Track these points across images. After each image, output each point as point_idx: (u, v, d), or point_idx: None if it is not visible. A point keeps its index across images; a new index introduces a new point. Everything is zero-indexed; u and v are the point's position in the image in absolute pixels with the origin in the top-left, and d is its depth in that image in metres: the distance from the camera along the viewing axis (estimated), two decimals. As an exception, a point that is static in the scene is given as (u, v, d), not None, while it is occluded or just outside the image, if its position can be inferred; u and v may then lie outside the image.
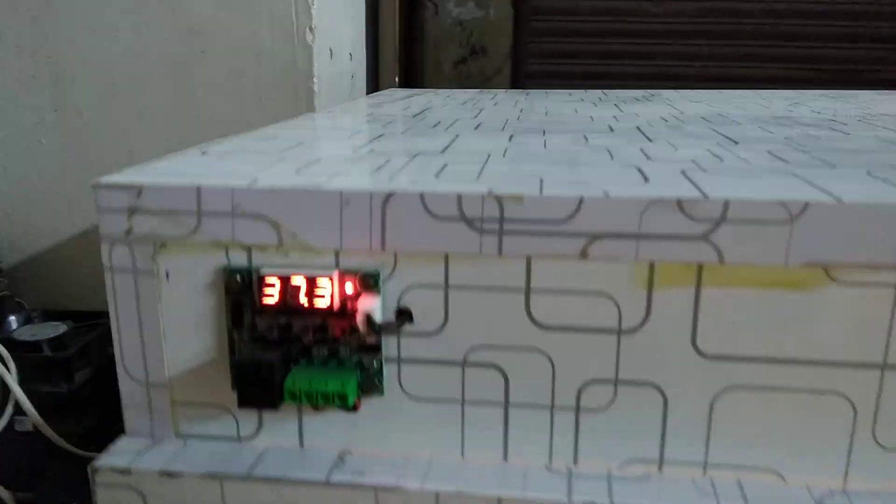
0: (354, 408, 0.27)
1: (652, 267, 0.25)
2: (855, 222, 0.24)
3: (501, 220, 0.25)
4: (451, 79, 1.18)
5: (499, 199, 0.25)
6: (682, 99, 0.65)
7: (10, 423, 0.62)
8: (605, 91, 0.74)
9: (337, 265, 0.26)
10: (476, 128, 0.44)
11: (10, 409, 0.61)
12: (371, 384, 0.27)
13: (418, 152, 0.34)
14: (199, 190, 0.26)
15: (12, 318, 0.70)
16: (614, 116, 0.51)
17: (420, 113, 0.53)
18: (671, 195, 0.24)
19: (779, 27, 1.01)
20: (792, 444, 0.26)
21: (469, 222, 0.25)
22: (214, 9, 0.65)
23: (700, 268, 0.25)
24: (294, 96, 0.66)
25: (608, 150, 0.35)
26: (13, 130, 0.69)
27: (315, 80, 0.66)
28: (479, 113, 0.53)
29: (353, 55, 0.79)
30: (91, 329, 0.70)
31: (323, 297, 0.25)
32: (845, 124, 0.45)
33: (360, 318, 0.25)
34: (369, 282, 0.26)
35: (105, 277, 0.27)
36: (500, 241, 0.25)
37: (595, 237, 0.25)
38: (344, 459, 0.27)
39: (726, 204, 0.24)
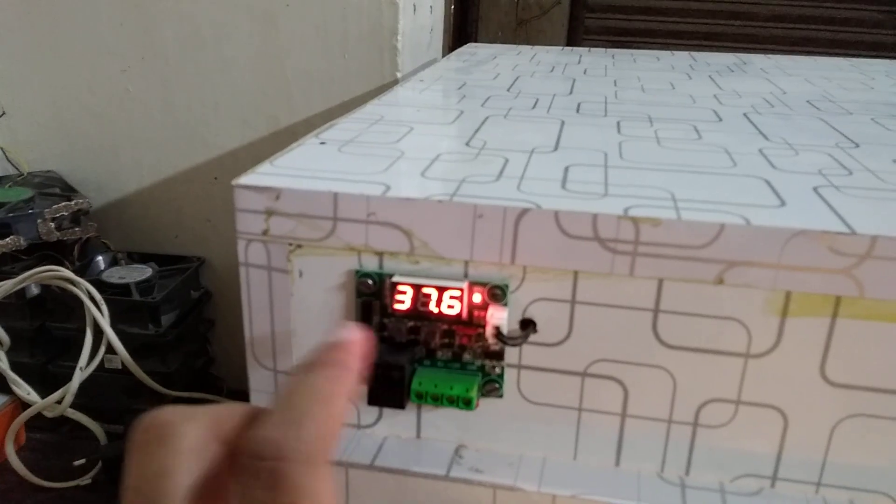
0: (470, 406, 0.28)
1: (788, 296, 0.25)
2: None
3: (636, 242, 0.25)
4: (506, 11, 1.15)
5: (635, 222, 0.25)
6: (776, 69, 0.63)
7: (101, 362, 0.66)
8: (694, 56, 0.72)
9: (466, 275, 0.26)
10: (577, 110, 0.43)
11: (102, 349, 0.64)
12: (491, 387, 0.28)
13: (532, 148, 0.34)
14: (335, 196, 0.26)
15: (100, 258, 0.73)
16: (715, 96, 0.49)
17: (512, 85, 0.52)
18: (815, 228, 0.24)
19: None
20: (909, 474, 0.26)
21: (602, 242, 0.25)
22: (301, -39, 0.64)
23: (838, 300, 0.25)
24: (378, 53, 0.65)
25: (727, 152, 0.34)
26: (101, 77, 0.70)
27: (399, 37, 0.65)
28: (572, 85, 0.52)
29: (433, 8, 0.77)
30: (175, 273, 0.72)
31: (452, 306, 0.26)
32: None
33: (488, 330, 0.26)
34: (497, 293, 0.26)
35: (240, 272, 0.28)
36: (633, 263, 0.25)
37: (732, 264, 0.25)
38: (461, 454, 0.29)
39: (874, 240, 0.24)
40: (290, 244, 0.27)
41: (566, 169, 0.30)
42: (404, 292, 0.26)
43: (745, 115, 0.43)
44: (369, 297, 0.27)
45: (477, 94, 0.48)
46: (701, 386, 0.26)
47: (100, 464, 0.66)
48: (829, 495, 0.27)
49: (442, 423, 0.29)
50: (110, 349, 0.66)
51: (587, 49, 0.77)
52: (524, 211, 0.25)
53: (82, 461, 0.65)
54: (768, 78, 0.58)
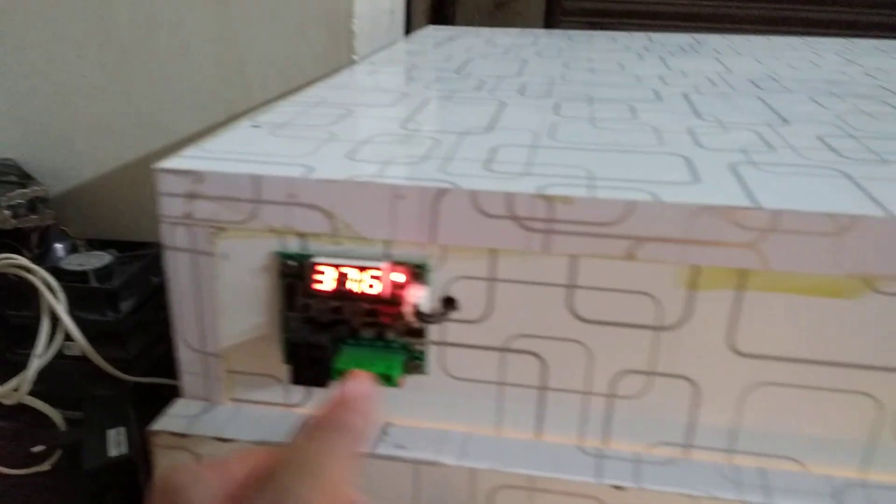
0: (395, 383, 0.28)
1: (696, 270, 0.26)
2: (904, 237, 0.24)
3: (550, 220, 0.26)
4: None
5: (548, 200, 0.25)
6: (729, 49, 0.64)
7: (60, 349, 0.66)
8: (650, 37, 0.72)
9: (387, 255, 0.27)
10: (521, 91, 0.44)
11: (59, 336, 0.64)
12: (415, 365, 0.28)
13: (466, 130, 0.34)
14: (256, 179, 0.26)
15: (58, 246, 0.72)
16: (660, 77, 0.50)
17: (462, 67, 0.52)
18: (721, 203, 0.25)
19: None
20: (816, 437, 0.27)
21: (517, 220, 0.26)
22: (254, -57, 0.63)
23: (744, 273, 0.25)
24: (334, 36, 0.65)
25: (656, 131, 0.35)
26: (57, 63, 0.69)
27: (355, 20, 0.65)
28: (521, 68, 0.52)
29: (393, -9, 0.77)
30: (135, 259, 0.72)
31: (374, 286, 0.26)
32: (900, 96, 0.44)
33: (406, 308, 0.26)
34: (417, 272, 0.27)
35: (164, 255, 0.28)
36: (548, 240, 0.26)
37: (641, 240, 0.25)
38: (387, 431, 0.29)
39: (777, 214, 0.24)
40: (213, 227, 0.27)
41: (493, 150, 0.31)
42: (325, 273, 0.27)
43: (684, 95, 0.44)
44: (292, 279, 0.27)
45: (425, 76, 0.48)
46: (616, 358, 0.27)
47: (59, 451, 0.66)
48: (739, 462, 0.28)
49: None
50: (69, 336, 0.65)
51: (547, 31, 0.78)
52: (442, 191, 0.26)
53: (41, 448, 0.65)
54: (718, 58, 0.58)
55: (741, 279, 0.25)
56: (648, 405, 0.28)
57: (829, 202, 0.25)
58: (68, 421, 0.66)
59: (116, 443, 0.61)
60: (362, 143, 0.31)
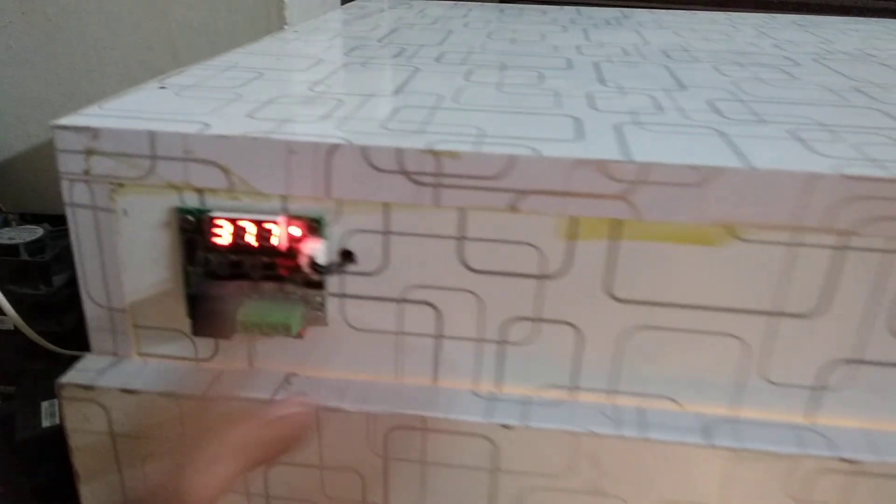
0: (299, 335, 0.29)
1: (575, 221, 0.27)
2: (760, 186, 0.26)
3: (439, 174, 0.27)
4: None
5: (436, 155, 0.27)
6: (652, 23, 0.65)
7: (-8, 323, 0.65)
8: (579, 10, 0.74)
9: (284, 210, 0.28)
10: (438, 58, 0.45)
11: (-10, 310, 0.64)
12: (315, 316, 0.29)
13: (372, 93, 0.35)
14: (152, 135, 0.27)
15: (-11, 221, 0.72)
16: (578, 47, 0.51)
17: (387, 35, 0.53)
18: (595, 157, 0.26)
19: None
20: (689, 377, 0.29)
21: (408, 175, 0.27)
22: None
23: (618, 223, 0.27)
24: (265, 6, 0.65)
25: (557, 95, 0.36)
26: (-22, 32, 0.68)
27: (285, -10, 0.65)
28: (445, 38, 0.53)
29: (327, -39, 0.77)
30: (67, 233, 0.72)
31: (271, 240, 0.27)
32: (800, 65, 0.46)
33: (302, 261, 0.27)
34: (314, 226, 0.28)
35: (66, 212, 0.29)
36: (437, 194, 0.27)
37: (524, 193, 0.27)
38: (290, 381, 0.30)
39: (645, 167, 0.26)
40: (112, 184, 0.28)
41: (395, 110, 0.32)
42: (223, 227, 0.27)
43: (595, 63, 0.45)
44: (191, 234, 0.28)
45: (346, 44, 0.49)
46: (505, 306, 0.29)
47: (-9, 423, 0.65)
48: (620, 402, 0.30)
49: (274, 353, 0.31)
50: (1, 310, 0.65)
51: (481, 4, 0.78)
52: (335, 146, 0.27)
53: (-27, 422, 0.65)
54: (639, 31, 0.60)
55: (615, 229, 0.27)
56: (536, 350, 0.29)
57: (697, 156, 0.27)
58: (2, 395, 0.65)
59: (49, 414, 0.61)
60: (266, 103, 0.32)
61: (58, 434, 0.61)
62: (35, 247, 0.68)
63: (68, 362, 0.66)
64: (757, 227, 0.26)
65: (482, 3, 0.79)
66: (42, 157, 0.73)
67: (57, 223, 0.71)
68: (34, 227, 0.70)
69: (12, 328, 0.66)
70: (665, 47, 0.52)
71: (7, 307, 0.64)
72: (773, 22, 0.69)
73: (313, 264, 0.28)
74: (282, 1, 0.65)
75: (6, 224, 0.72)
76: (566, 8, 0.75)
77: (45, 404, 0.62)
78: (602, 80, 0.40)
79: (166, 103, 0.31)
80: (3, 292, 0.63)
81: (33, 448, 0.62)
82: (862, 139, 0.30)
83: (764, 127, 0.31)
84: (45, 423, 0.61)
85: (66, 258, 0.68)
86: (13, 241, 0.67)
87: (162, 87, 0.34)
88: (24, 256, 0.66)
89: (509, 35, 0.56)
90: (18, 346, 0.67)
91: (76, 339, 0.70)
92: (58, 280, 0.67)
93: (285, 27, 0.65)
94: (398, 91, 0.36)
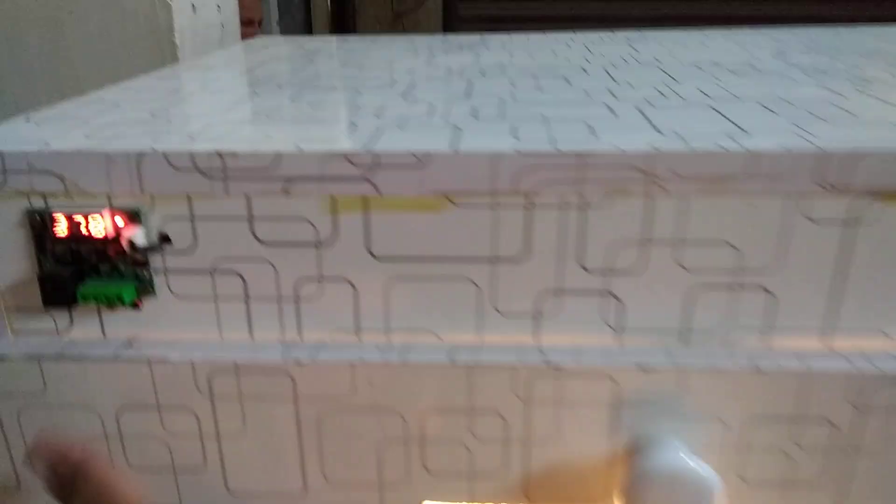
0: (136, 306, 0.37)
1: (334, 199, 0.36)
2: (465, 165, 0.35)
3: (224, 169, 0.35)
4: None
5: (220, 156, 0.35)
6: (560, 43, 0.75)
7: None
8: (447, 38, 0.83)
9: (110, 205, 0.36)
10: (279, 84, 0.53)
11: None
12: (146, 289, 0.37)
13: (200, 113, 0.43)
14: (2, 154, 0.35)
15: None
16: (415, 67, 0.60)
17: (254, 68, 0.62)
18: (340, 149, 0.35)
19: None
20: (442, 313, 0.37)
21: (201, 172, 0.35)
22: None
23: (366, 199, 0.36)
24: (159, 52, 0.74)
25: (352, 105, 0.45)
26: None
27: (176, 34, 0.73)
28: (304, 66, 0.62)
29: (220, 7, 0.86)
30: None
31: (100, 229, 0.36)
32: (616, 67, 0.56)
33: (125, 243, 0.35)
34: (133, 216, 0.36)
35: (-59, 219, 0.36)
36: (226, 185, 0.35)
37: (291, 180, 0.35)
38: (132, 344, 0.38)
39: (377, 155, 0.35)
40: (-26, 193, 0.36)
41: (207, 126, 0.40)
42: (61, 222, 0.35)
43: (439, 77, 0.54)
44: (39, 229, 0.36)
45: (212, 76, 0.57)
46: (294, 269, 0.37)
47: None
48: (394, 338, 0.38)
49: (120, 323, 0.39)
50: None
51: (361, 37, 0.88)
52: (142, 153, 0.35)
53: None
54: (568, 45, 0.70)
55: (365, 203, 0.36)
56: (324, 303, 0.38)
57: (419, 144, 0.36)
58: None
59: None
60: (103, 126, 0.40)
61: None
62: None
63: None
64: (466, 195, 0.35)
65: (362, 35, 0.88)
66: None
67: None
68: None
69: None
70: (528, 66, 0.61)
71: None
72: (692, 38, 0.79)
73: (134, 246, 0.36)
74: (174, 44, 0.73)
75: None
76: (450, 36, 0.85)
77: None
78: (407, 97, 0.49)
79: (24, 132, 0.39)
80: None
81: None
82: (561, 125, 0.39)
83: (491, 124, 0.40)
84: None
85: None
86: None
87: (27, 121, 0.42)
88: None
89: (363, 61, 0.65)
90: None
91: None
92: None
93: (176, 63, 0.74)
94: (227, 111, 0.44)
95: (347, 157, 0.35)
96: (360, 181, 0.35)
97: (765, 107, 0.41)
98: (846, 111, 0.40)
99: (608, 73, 0.55)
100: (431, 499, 0.40)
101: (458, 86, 0.51)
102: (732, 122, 0.38)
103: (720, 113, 0.40)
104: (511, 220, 0.35)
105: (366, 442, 0.39)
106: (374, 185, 0.35)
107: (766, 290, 0.36)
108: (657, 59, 0.61)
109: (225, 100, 0.48)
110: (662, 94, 0.46)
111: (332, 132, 0.39)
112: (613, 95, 0.46)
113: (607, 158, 0.34)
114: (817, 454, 0.37)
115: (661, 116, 0.40)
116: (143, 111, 0.44)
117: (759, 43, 0.70)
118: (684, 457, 0.35)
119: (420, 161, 0.35)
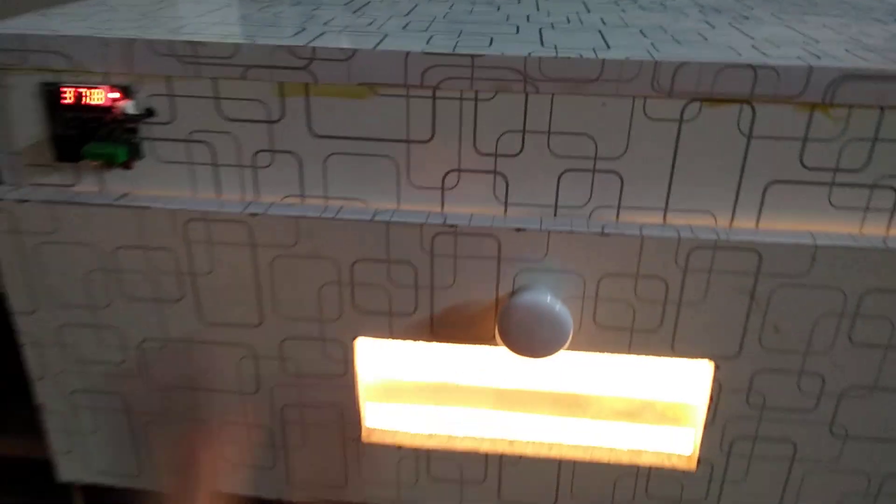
0: (127, 166, 0.48)
1: (282, 86, 0.45)
2: (383, 60, 0.44)
3: (196, 56, 0.45)
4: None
5: (192, 44, 0.45)
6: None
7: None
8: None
9: (108, 81, 0.46)
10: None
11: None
12: (136, 152, 0.47)
13: (192, 14, 0.53)
14: (23, 37, 0.45)
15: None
16: None
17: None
18: (284, 44, 0.44)
19: None
20: (367, 182, 0.48)
21: (179, 58, 0.45)
22: None
23: (305, 86, 0.45)
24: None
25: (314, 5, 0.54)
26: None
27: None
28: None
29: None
30: None
31: (100, 100, 0.45)
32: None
33: (118, 112, 0.45)
34: (126, 91, 0.46)
35: (-26, 88, 0.46)
36: (197, 69, 0.45)
37: (248, 67, 0.45)
38: (125, 196, 0.49)
39: (313, 50, 0.44)
40: (2, 67, 0.46)
41: (197, 16, 0.50)
42: (69, 93, 0.45)
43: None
44: (51, 99, 0.46)
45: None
46: (251, 142, 0.47)
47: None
48: (330, 203, 0.48)
49: (116, 180, 0.49)
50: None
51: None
52: (132, 40, 0.45)
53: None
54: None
55: (307, 90, 0.45)
56: (275, 171, 0.48)
57: (353, 43, 0.45)
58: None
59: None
60: (104, 21, 0.50)
61: None
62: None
63: None
64: (385, 87, 0.45)
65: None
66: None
67: None
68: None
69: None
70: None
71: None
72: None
73: (126, 115, 0.46)
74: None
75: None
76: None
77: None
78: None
79: (40, 22, 0.49)
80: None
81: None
82: (470, 37, 0.48)
83: (415, 34, 0.50)
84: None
85: None
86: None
87: (42, 16, 0.51)
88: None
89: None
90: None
91: None
92: None
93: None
94: (203, 15, 0.53)
95: (291, 51, 0.44)
96: (302, 71, 0.45)
97: (642, 33, 0.51)
98: (703, 38, 0.49)
99: (537, 3, 0.64)
100: (360, 335, 0.51)
101: (404, 6, 0.60)
102: (605, 41, 0.47)
103: (601, 35, 0.50)
104: (421, 108, 0.45)
105: (308, 284, 0.49)
106: (313, 75, 0.45)
107: (617, 174, 0.46)
108: (589, -6, 0.69)
109: (203, 8, 0.57)
110: (568, 20, 0.55)
111: (285, 33, 0.48)
112: (528, 20, 0.55)
113: (493, 61, 0.43)
114: (654, 305, 0.48)
115: (554, 35, 0.49)
116: (135, 13, 0.54)
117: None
118: (546, 296, 0.46)
119: (348, 56, 0.44)
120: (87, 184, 0.49)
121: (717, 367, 0.49)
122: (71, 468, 0.59)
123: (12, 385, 0.74)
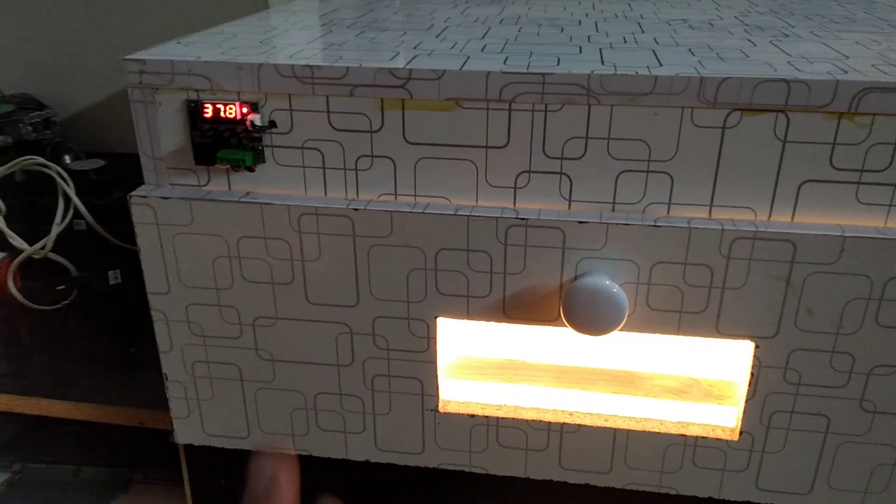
0: (251, 169, 0.57)
1: (383, 101, 0.54)
2: (467, 79, 0.52)
3: (312, 77, 0.54)
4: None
5: (310, 67, 0.54)
6: None
7: (70, 225, 0.94)
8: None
9: (239, 98, 0.55)
10: (357, 25, 0.72)
11: (70, 213, 0.93)
12: (260, 157, 0.57)
13: (296, 42, 0.62)
14: (169, 62, 0.55)
15: (66, 156, 1.01)
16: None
17: (365, 16, 0.80)
18: (387, 66, 0.53)
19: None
20: (451, 183, 0.56)
21: (299, 79, 0.54)
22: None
23: (402, 101, 0.54)
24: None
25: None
26: (53, 21, 0.97)
27: (267, -15, 0.92)
28: (418, 10, 0.80)
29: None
30: (120, 163, 1.01)
31: (233, 114, 0.55)
32: (606, 21, 0.72)
33: (248, 124, 0.55)
34: (254, 106, 0.55)
35: (131, 105, 0.56)
36: (315, 88, 0.54)
37: (356, 86, 0.54)
38: (249, 194, 0.58)
39: (408, 72, 0.53)
40: (152, 87, 0.56)
41: (299, 50, 0.59)
42: (208, 109, 0.55)
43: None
44: (193, 114, 0.56)
45: (306, 18, 0.76)
46: (355, 148, 0.56)
47: (75, 290, 0.95)
48: (419, 200, 0.57)
49: (241, 180, 0.58)
50: (78, 215, 0.94)
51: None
52: (260, 65, 0.54)
53: (62, 287, 0.94)
54: None
55: (404, 104, 0.54)
56: (374, 172, 0.56)
57: (440, 66, 0.53)
58: (78, 271, 0.95)
59: (114, 277, 0.90)
60: (232, 49, 0.59)
61: (121, 288, 0.91)
62: (99, 172, 0.97)
63: (124, 251, 0.94)
64: (468, 101, 0.53)
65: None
66: (101, 110, 1.02)
67: (112, 158, 1.01)
68: (97, 159, 1.00)
69: (85, 228, 0.95)
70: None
71: (83, 210, 0.93)
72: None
73: (254, 126, 0.55)
74: (265, -9, 0.93)
75: (77, 158, 1.02)
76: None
77: (110, 273, 0.92)
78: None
79: (181, 50, 0.59)
80: (79, 200, 0.93)
81: (104, 300, 0.91)
82: (539, 57, 0.56)
83: (491, 55, 0.58)
84: (112, 282, 0.90)
85: (120, 179, 0.98)
86: (83, 168, 0.96)
87: (178, 42, 0.61)
88: (93, 177, 0.95)
89: (408, 11, 0.82)
90: (88, 241, 0.96)
91: (131, 235, 0.99)
92: (115, 194, 0.96)
93: (267, 9, 0.93)
94: (311, 42, 0.63)
95: (392, 72, 0.53)
96: (400, 89, 0.54)
97: (690, 51, 0.58)
98: (745, 55, 0.56)
99: (596, 25, 0.71)
100: (441, 315, 0.59)
101: (478, 31, 0.69)
102: (658, 59, 0.55)
103: (654, 53, 0.57)
104: (498, 119, 0.53)
105: (398, 270, 0.58)
106: (409, 92, 0.54)
107: (668, 174, 0.53)
108: (642, 16, 0.76)
109: (310, 34, 0.66)
110: (625, 40, 0.63)
111: (383, 56, 0.57)
112: (588, 41, 0.63)
113: (561, 78, 0.51)
114: (700, 290, 0.54)
115: (613, 54, 0.57)
116: (254, 40, 0.64)
117: (733, 4, 0.85)
118: (605, 280, 0.53)
119: (439, 76, 0.53)
120: (216, 184, 0.59)
121: (756, 347, 0.55)
122: (187, 431, 0.69)
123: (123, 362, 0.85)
